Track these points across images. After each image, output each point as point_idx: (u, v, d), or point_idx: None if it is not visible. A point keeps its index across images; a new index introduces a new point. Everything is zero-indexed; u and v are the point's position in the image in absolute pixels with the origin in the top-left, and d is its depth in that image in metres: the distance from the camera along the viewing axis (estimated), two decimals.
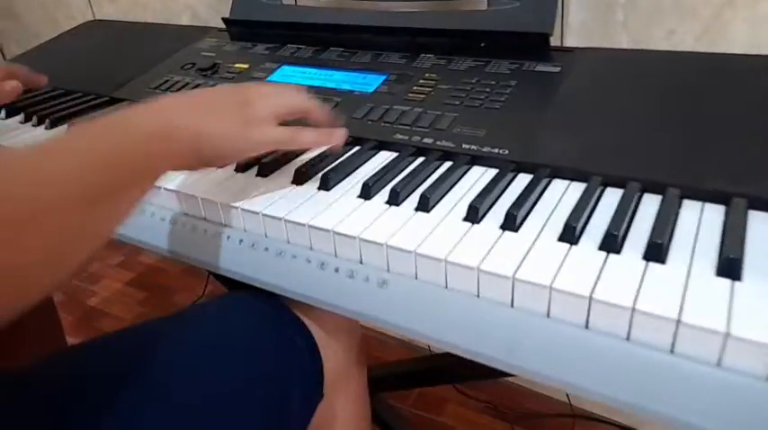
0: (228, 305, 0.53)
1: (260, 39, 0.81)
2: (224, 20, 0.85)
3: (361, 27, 0.74)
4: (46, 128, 0.70)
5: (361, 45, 0.73)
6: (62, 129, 0.70)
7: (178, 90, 0.73)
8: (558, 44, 0.77)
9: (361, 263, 0.43)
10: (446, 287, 0.40)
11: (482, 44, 0.67)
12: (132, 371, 0.44)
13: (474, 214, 0.43)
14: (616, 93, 0.55)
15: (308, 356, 0.52)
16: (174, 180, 0.53)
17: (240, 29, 0.85)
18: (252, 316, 0.51)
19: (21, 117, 0.74)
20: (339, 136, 0.50)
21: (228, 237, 0.49)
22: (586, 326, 0.35)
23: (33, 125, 0.72)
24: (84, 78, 0.81)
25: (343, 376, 0.58)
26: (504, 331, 0.38)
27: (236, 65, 0.76)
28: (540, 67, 0.61)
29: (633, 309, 0.33)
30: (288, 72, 0.72)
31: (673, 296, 0.34)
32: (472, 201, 0.44)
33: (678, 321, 0.32)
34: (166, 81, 0.75)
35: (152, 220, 0.54)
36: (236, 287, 0.53)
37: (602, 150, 0.48)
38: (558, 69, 0.60)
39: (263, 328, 0.51)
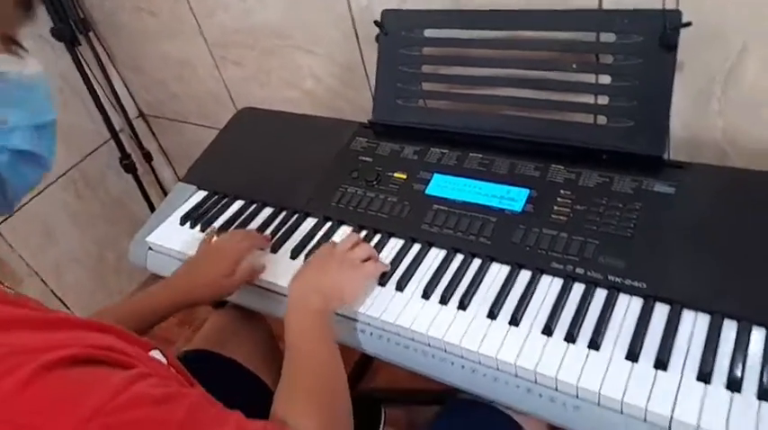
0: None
1: (404, 139, 0.99)
2: (369, 122, 1.03)
3: (490, 136, 0.91)
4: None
5: (495, 149, 0.91)
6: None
7: (357, 203, 0.93)
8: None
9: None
10: None
11: (604, 156, 0.83)
12: None
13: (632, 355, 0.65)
14: (731, 220, 0.72)
15: None
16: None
17: (384, 128, 1.02)
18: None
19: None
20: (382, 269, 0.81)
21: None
22: None
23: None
24: (268, 190, 1.02)
25: None
26: None
27: (396, 174, 0.95)
28: (658, 187, 0.78)
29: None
30: (442, 183, 0.91)
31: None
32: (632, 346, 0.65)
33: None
34: (343, 196, 0.95)
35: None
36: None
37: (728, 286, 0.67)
38: (672, 191, 0.76)
39: None
